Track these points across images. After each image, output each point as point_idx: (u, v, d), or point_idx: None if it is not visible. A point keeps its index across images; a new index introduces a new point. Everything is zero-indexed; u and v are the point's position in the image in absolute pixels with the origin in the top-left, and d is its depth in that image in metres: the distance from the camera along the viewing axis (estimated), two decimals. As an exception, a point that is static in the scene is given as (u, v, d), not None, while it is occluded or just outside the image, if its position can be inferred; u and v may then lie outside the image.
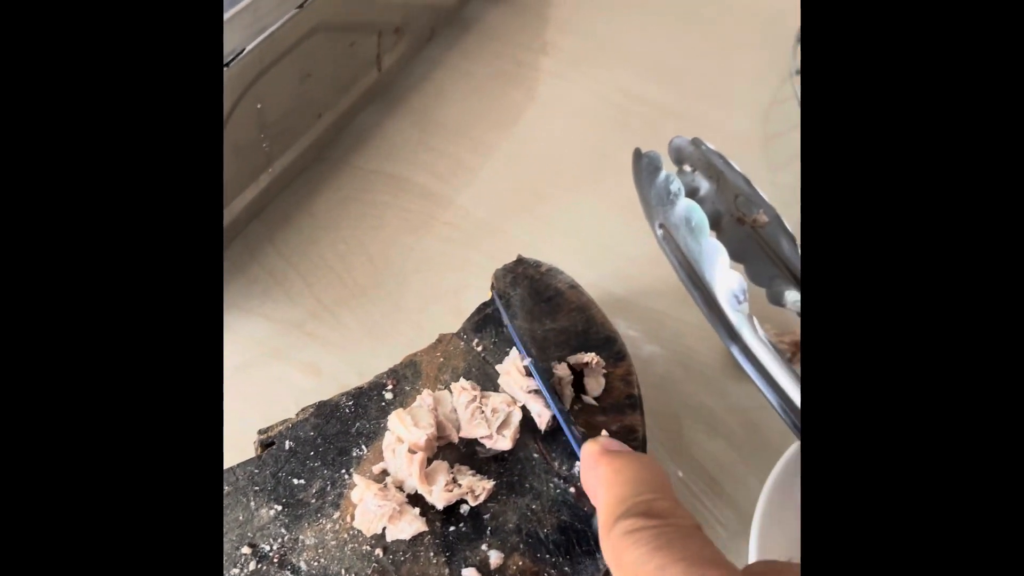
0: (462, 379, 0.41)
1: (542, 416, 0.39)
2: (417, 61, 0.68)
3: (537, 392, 0.39)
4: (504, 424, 0.39)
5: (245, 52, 0.42)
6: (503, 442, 0.38)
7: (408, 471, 0.37)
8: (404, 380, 0.42)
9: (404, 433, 0.38)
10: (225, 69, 0.41)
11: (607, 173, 0.62)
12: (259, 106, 0.45)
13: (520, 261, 0.48)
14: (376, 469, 0.38)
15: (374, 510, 0.36)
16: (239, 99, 0.43)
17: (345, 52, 0.53)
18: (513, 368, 0.40)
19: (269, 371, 0.48)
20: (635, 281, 0.55)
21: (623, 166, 0.61)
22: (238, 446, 0.44)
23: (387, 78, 0.60)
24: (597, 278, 0.53)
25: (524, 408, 0.39)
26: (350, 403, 0.40)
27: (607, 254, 0.56)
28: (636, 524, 0.25)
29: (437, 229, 0.57)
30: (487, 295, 0.48)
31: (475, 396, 0.39)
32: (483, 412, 0.39)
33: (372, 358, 0.49)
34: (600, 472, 0.31)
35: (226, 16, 0.41)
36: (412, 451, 0.37)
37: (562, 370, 0.41)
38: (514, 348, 0.42)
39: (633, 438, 0.40)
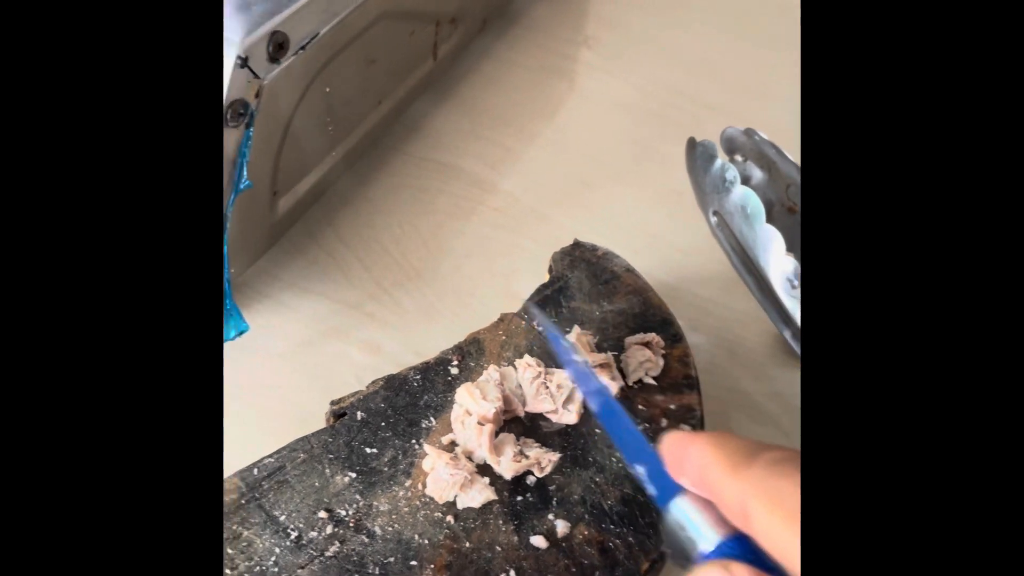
0: (526, 356, 0.42)
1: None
2: (468, 51, 0.69)
3: (602, 367, 0.41)
4: (569, 399, 0.40)
5: (319, 35, 0.44)
6: (568, 416, 0.40)
7: (477, 442, 0.38)
8: (468, 356, 0.43)
9: (473, 405, 0.39)
10: (301, 52, 0.43)
11: (649, 164, 0.63)
12: (328, 89, 0.47)
13: (577, 245, 0.49)
14: (445, 440, 0.39)
15: (446, 478, 0.37)
16: (312, 81, 0.45)
17: (406, 40, 0.54)
18: (579, 344, 0.42)
19: (330, 348, 0.50)
20: (681, 269, 0.56)
21: (665, 157, 0.63)
22: (301, 419, 0.46)
23: (441, 67, 0.61)
24: (643, 266, 0.54)
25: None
26: (417, 377, 0.42)
27: (653, 242, 0.57)
28: (782, 455, 0.26)
29: (486, 215, 0.59)
30: (537, 279, 0.49)
31: (540, 372, 0.41)
32: (547, 388, 0.40)
33: (429, 338, 0.50)
34: (697, 448, 0.29)
35: (302, 1, 0.42)
36: (481, 423, 0.39)
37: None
38: (576, 326, 0.43)
39: (692, 417, 0.41)
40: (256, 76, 0.40)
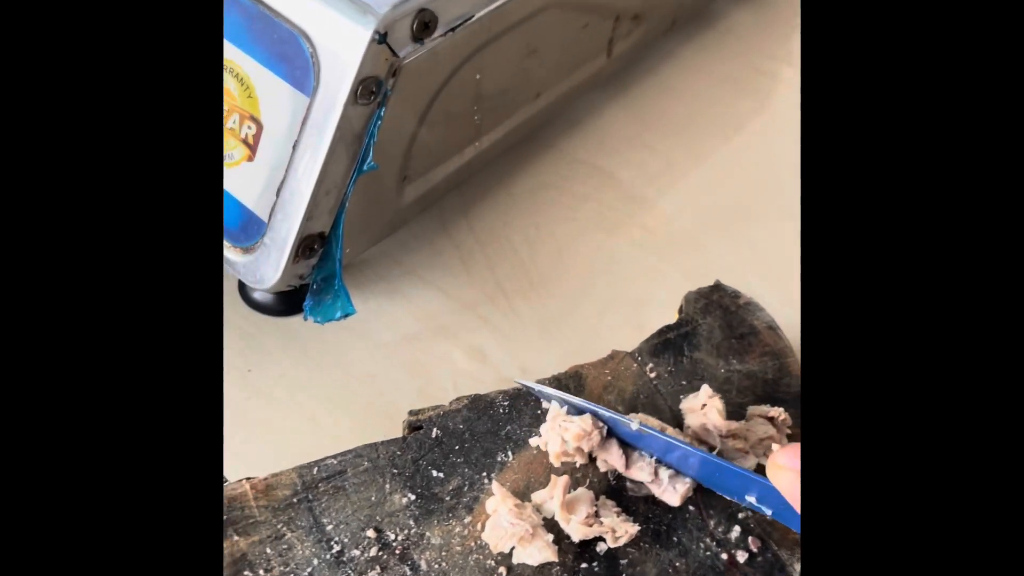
0: (705, 387, 0.37)
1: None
2: (650, 51, 0.64)
3: (735, 438, 0.36)
4: (676, 477, 0.35)
5: (473, 19, 0.41)
6: (671, 496, 0.35)
7: (549, 494, 0.34)
8: (567, 391, 0.39)
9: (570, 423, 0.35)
10: (450, 34, 0.40)
11: (832, 205, 0.55)
12: (478, 76, 0.44)
13: (717, 287, 0.43)
14: (517, 482, 0.36)
15: (506, 527, 0.33)
16: (459, 66, 0.42)
17: (577, 33, 0.50)
18: (712, 406, 0.36)
19: (435, 347, 0.47)
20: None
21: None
22: (388, 414, 0.44)
23: (614, 65, 0.56)
24: (795, 324, 0.48)
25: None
26: (505, 403, 0.38)
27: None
28: None
29: (633, 232, 0.54)
30: (671, 313, 0.44)
31: (660, 426, 0.36)
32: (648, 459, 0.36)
33: (538, 355, 0.47)
34: None
35: (460, -20, 0.39)
36: (558, 469, 0.35)
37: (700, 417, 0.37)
38: (705, 384, 0.38)
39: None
40: (395, 54, 0.38)
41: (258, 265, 0.42)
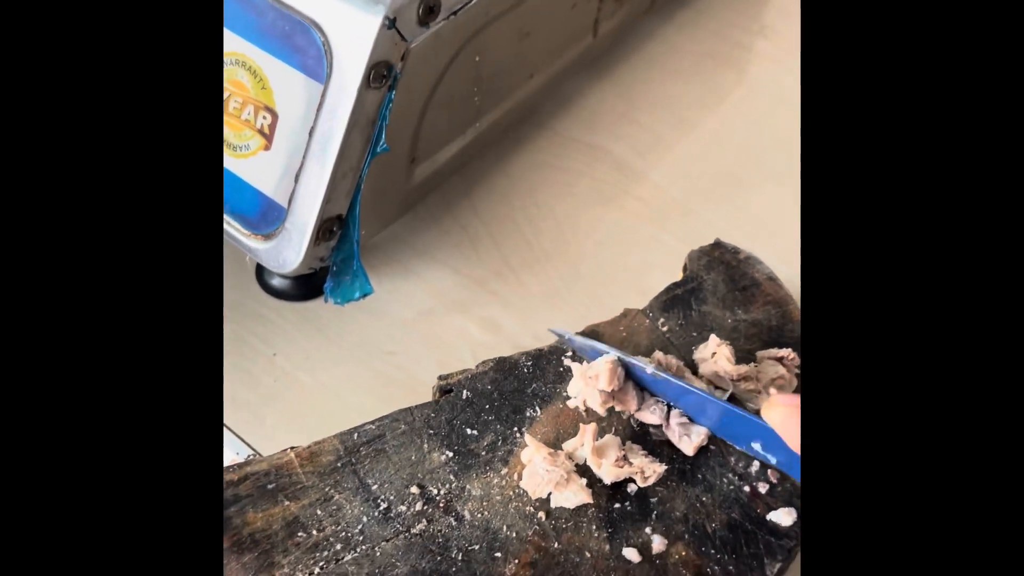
0: (658, 352, 0.39)
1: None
2: (632, 31, 0.66)
3: (746, 380, 0.38)
4: (687, 428, 0.37)
5: (473, 2, 0.43)
6: (687, 446, 0.37)
7: (580, 441, 0.37)
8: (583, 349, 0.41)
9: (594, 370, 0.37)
10: (452, 18, 0.42)
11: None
12: (477, 59, 0.46)
13: (718, 245, 0.46)
14: (547, 434, 0.38)
15: (542, 474, 0.35)
16: (460, 49, 0.44)
17: (566, 14, 0.52)
18: (721, 353, 0.39)
19: (451, 321, 0.49)
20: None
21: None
22: (411, 387, 0.46)
23: (600, 45, 0.59)
24: (790, 275, 0.50)
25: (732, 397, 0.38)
26: (529, 363, 0.40)
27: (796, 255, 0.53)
28: None
29: (628, 203, 0.56)
30: (672, 276, 0.46)
31: (677, 366, 0.38)
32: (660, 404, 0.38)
33: (549, 322, 0.49)
34: None
35: (459, -34, 0.41)
36: (587, 416, 0.37)
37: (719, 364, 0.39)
38: (712, 334, 0.40)
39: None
40: (403, 39, 0.40)
41: (280, 250, 0.43)
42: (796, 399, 0.33)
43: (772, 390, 0.38)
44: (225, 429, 0.44)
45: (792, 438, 0.33)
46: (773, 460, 0.36)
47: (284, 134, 0.42)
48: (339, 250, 0.45)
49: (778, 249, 0.52)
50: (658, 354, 0.39)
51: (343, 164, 0.41)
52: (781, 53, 0.67)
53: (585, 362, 0.39)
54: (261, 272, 0.50)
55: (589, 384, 0.37)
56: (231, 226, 0.44)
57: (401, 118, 0.43)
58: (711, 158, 0.59)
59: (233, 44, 0.42)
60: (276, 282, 0.50)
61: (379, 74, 0.40)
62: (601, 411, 0.37)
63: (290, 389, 0.46)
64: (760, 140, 0.60)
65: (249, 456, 0.42)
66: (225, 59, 0.43)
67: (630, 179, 0.57)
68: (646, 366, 0.37)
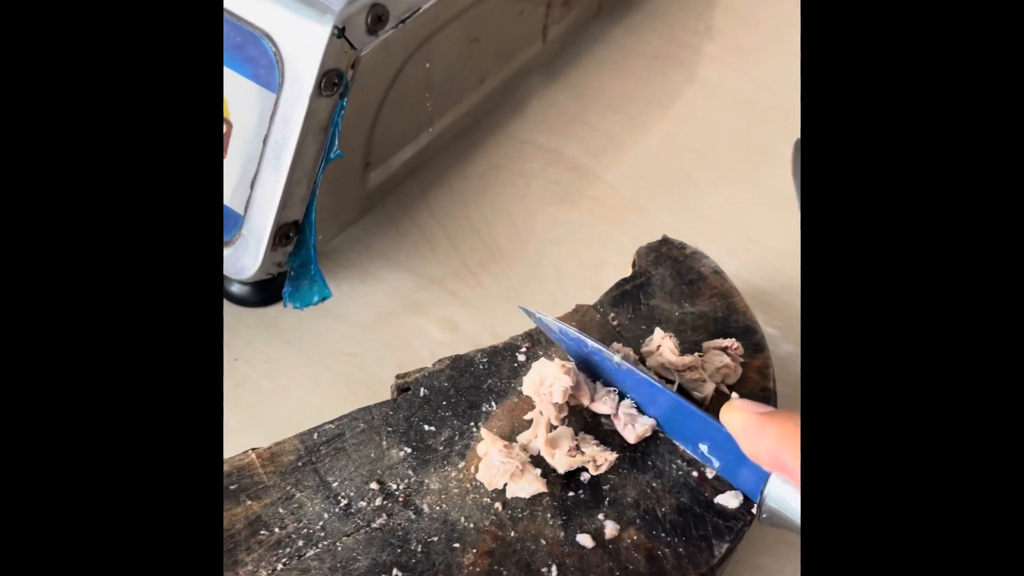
0: (616, 343, 0.41)
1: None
2: (581, 35, 0.68)
3: (691, 370, 0.39)
4: (633, 418, 0.39)
5: (421, 10, 0.44)
6: (629, 434, 0.38)
7: (533, 433, 0.38)
8: (538, 345, 0.42)
9: (551, 373, 0.38)
10: (401, 26, 0.43)
11: (761, 164, 0.60)
12: (428, 65, 0.47)
13: (665, 241, 0.47)
14: (503, 428, 0.39)
15: (497, 465, 0.37)
16: (411, 56, 0.45)
17: (514, 20, 0.53)
18: (665, 346, 0.40)
19: (410, 322, 0.50)
20: (779, 275, 0.53)
21: (779, 158, 0.60)
22: (371, 388, 0.46)
23: (550, 49, 0.60)
24: (736, 269, 0.52)
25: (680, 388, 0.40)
26: (484, 360, 0.42)
27: (752, 246, 0.55)
28: None
29: (582, 203, 0.57)
30: (625, 272, 0.48)
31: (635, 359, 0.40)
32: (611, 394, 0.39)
33: (506, 321, 0.50)
34: (776, 431, 0.33)
35: (407, -25, 0.42)
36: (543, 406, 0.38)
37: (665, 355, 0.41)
38: (657, 328, 0.41)
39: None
40: (353, 47, 0.41)
41: (238, 256, 0.44)
42: (759, 408, 0.35)
43: (734, 395, 0.39)
44: (188, 434, 0.44)
45: (748, 445, 0.34)
46: (716, 464, 0.37)
47: (238, 143, 0.43)
48: (296, 255, 0.46)
49: (726, 244, 0.54)
50: (617, 345, 0.40)
51: (298, 171, 0.42)
52: (726, 53, 0.69)
53: (545, 352, 0.41)
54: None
55: (543, 400, 0.38)
56: (189, 234, 0.45)
57: (354, 124, 0.44)
58: (663, 158, 0.61)
59: (186, 55, 0.43)
60: (235, 288, 0.50)
61: (330, 82, 0.41)
62: (556, 422, 0.38)
63: (252, 393, 0.46)
64: (709, 139, 0.62)
65: (212, 460, 0.43)
66: (178, 70, 0.43)
67: (583, 179, 0.59)
68: (613, 355, 0.38)
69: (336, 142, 0.43)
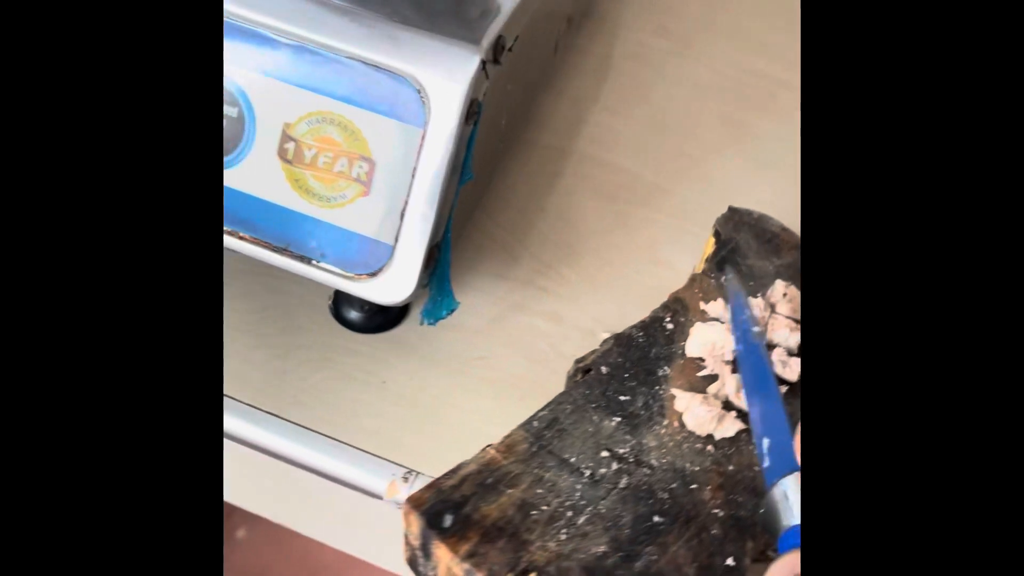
0: (779, 282, 0.48)
1: None
2: (564, 47, 0.74)
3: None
4: (728, 408, 0.44)
5: (519, 37, 0.49)
6: (728, 429, 0.44)
7: (722, 383, 0.44)
8: (677, 313, 0.49)
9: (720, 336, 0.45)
10: (508, 53, 0.48)
11: (741, 136, 0.69)
12: (509, 87, 0.52)
13: (734, 210, 0.55)
14: (682, 385, 0.45)
15: (703, 415, 0.43)
16: (510, 79, 0.50)
17: (550, 38, 0.59)
18: (791, 294, 0.48)
19: (518, 321, 0.55)
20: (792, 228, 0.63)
21: (748, 128, 0.70)
22: (511, 383, 0.51)
23: (556, 63, 0.66)
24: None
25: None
26: (640, 334, 0.47)
27: (766, 210, 0.64)
28: None
29: (614, 192, 0.64)
30: (679, 247, 0.55)
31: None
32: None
33: (601, 306, 0.56)
34: None
35: (512, 5, 0.47)
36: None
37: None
38: (778, 280, 0.49)
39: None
40: (487, 76, 0.45)
41: (390, 284, 0.47)
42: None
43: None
44: (375, 458, 0.47)
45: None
46: (765, 464, 0.38)
47: (383, 178, 0.46)
48: (434, 274, 0.49)
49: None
50: (780, 283, 0.48)
51: (444, 196, 0.46)
52: (680, 47, 0.78)
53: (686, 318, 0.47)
54: (339, 311, 0.53)
55: (716, 360, 0.44)
56: (328, 272, 0.47)
57: (477, 146, 0.48)
58: (663, 143, 0.68)
59: (317, 103, 0.45)
60: (353, 316, 0.53)
61: (472, 111, 0.45)
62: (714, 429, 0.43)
63: (412, 407, 0.50)
64: (691, 120, 0.70)
65: (406, 473, 0.46)
66: (308, 119, 0.46)
67: (608, 172, 0.65)
68: (756, 329, 0.45)
69: (469, 164, 0.47)
